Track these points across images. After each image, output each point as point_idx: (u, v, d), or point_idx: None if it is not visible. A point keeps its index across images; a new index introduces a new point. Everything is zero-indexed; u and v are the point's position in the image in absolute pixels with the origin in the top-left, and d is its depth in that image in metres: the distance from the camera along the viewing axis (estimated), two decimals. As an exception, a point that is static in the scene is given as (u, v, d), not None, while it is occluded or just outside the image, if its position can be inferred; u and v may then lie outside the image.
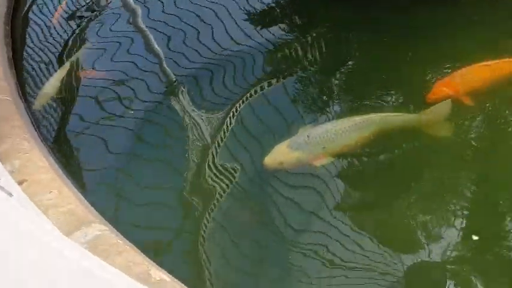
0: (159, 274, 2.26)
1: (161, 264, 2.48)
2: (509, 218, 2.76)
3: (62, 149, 3.39)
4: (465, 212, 2.76)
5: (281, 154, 2.86)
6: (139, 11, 4.48)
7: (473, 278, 2.51)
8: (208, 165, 3.12)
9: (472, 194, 2.83)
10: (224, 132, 3.33)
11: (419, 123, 3.00)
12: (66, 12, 4.68)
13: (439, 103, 3.02)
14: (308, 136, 2.88)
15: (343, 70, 3.66)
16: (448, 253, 2.59)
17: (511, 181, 2.88)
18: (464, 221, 2.72)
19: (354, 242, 2.67)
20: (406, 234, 2.72)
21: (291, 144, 2.87)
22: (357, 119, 2.95)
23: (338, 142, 2.86)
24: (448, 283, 2.51)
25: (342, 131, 2.88)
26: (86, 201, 2.86)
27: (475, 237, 2.62)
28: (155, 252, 2.63)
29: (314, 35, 3.92)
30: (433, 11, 3.70)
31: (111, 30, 4.37)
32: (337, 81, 3.58)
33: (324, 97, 3.48)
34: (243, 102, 3.50)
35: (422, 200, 2.86)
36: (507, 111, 3.20)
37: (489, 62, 3.26)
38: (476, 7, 3.75)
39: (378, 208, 2.90)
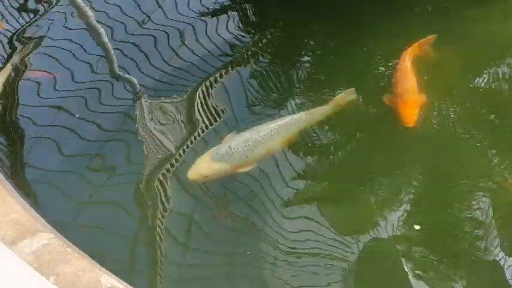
0: (110, 281, 2.20)
1: (114, 271, 2.43)
2: (437, 201, 2.88)
3: (5, 156, 3.25)
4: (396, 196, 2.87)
5: (204, 167, 2.83)
6: (87, 9, 4.34)
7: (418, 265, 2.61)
8: (161, 169, 3.07)
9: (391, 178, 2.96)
10: (178, 132, 3.29)
11: (330, 113, 3.12)
12: (6, 13, 4.48)
13: (344, 91, 3.17)
14: (230, 147, 2.88)
15: (294, 66, 3.67)
16: (388, 243, 2.68)
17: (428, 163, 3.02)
18: (400, 210, 2.81)
19: (304, 233, 2.74)
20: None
21: (214, 156, 2.85)
22: (276, 123, 3.01)
23: (260, 149, 2.91)
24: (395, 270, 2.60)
25: (263, 138, 2.92)
26: (31, 209, 2.76)
27: (417, 227, 2.72)
28: (107, 259, 2.54)
29: (265, 32, 3.92)
30: (379, 6, 3.77)
31: (56, 29, 4.21)
32: (288, 77, 3.59)
33: (278, 92, 3.49)
34: (195, 98, 3.46)
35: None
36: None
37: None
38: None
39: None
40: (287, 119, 3.04)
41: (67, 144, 3.27)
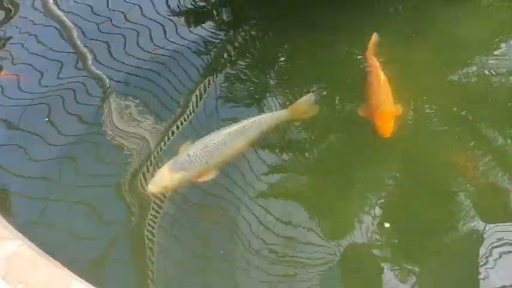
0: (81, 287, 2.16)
1: (85, 277, 2.38)
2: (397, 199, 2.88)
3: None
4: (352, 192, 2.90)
5: (165, 178, 2.76)
6: (57, 9, 4.26)
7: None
8: (134, 172, 3.01)
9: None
10: (153, 135, 3.24)
11: (290, 117, 3.13)
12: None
13: (304, 96, 3.18)
14: (189, 155, 2.82)
15: (262, 68, 3.64)
16: (359, 240, 2.69)
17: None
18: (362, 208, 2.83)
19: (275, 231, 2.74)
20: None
21: (173, 166, 2.79)
22: (234, 127, 2.99)
23: (219, 154, 2.88)
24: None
25: (222, 143, 2.89)
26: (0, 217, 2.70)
27: (386, 225, 2.74)
28: (78, 266, 2.49)
29: (233, 32, 3.90)
30: (350, 6, 3.79)
31: (25, 30, 4.11)
32: (262, 78, 3.58)
33: (244, 95, 3.45)
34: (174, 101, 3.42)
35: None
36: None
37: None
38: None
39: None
40: (245, 123, 3.01)
41: (36, 148, 3.19)
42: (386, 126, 3.02)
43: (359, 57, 3.51)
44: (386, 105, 3.10)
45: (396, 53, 3.45)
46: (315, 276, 2.59)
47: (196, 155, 2.83)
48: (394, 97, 3.15)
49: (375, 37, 3.48)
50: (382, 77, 3.22)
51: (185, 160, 2.81)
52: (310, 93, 3.20)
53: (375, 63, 3.32)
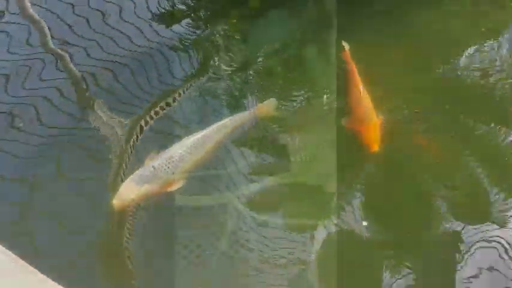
0: (57, 293, 2.09)
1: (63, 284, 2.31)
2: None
3: None
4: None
5: (130, 191, 2.73)
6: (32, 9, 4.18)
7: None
8: (109, 174, 2.97)
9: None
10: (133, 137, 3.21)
11: (254, 117, 3.18)
12: None
13: (266, 100, 3.26)
14: (154, 167, 2.80)
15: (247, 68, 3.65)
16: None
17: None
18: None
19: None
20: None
21: (138, 179, 2.76)
22: (199, 135, 3.00)
23: (186, 163, 2.87)
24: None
25: (187, 152, 2.89)
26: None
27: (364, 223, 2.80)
28: (58, 272, 2.41)
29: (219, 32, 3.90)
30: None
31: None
32: (240, 79, 3.57)
33: (231, 95, 3.47)
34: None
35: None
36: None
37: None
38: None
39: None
40: (209, 130, 3.03)
41: (11, 149, 3.14)
42: (373, 141, 3.04)
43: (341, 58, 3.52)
44: (370, 120, 3.12)
45: (371, 56, 3.48)
46: (292, 275, 2.60)
47: (162, 167, 2.80)
48: (374, 104, 3.16)
49: (345, 45, 3.50)
50: (362, 87, 3.24)
51: (150, 172, 2.79)
52: (273, 99, 3.25)
53: (354, 73, 3.33)
